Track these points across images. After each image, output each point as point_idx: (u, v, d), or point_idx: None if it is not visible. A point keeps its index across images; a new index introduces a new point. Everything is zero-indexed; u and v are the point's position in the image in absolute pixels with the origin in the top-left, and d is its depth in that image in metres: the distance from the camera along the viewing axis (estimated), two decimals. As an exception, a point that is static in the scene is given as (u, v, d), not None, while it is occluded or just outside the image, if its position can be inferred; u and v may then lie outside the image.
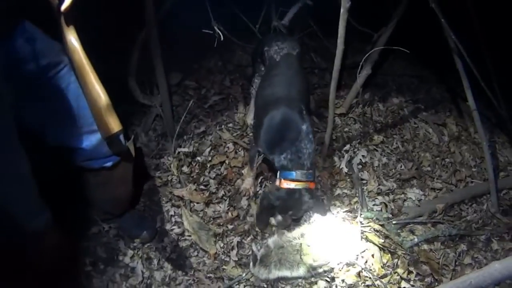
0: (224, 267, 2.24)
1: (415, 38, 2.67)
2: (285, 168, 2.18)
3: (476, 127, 2.59)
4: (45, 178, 1.69)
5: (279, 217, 2.30)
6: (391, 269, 2.30)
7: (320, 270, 2.22)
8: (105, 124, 1.54)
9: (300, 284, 2.21)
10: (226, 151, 2.65)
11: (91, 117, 1.57)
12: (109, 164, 1.85)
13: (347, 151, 2.74)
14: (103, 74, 1.62)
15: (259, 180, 2.53)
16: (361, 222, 2.34)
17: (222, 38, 2.30)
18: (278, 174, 2.23)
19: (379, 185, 2.61)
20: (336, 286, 2.22)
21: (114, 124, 1.55)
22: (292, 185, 2.16)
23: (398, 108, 3.05)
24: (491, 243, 2.49)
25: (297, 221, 2.35)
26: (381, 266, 2.29)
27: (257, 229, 2.37)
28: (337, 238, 2.28)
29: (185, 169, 2.55)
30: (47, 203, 1.70)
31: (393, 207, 2.52)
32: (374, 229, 2.38)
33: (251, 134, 2.70)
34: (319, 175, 2.55)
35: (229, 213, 2.41)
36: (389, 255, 2.32)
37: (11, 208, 1.54)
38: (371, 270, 2.26)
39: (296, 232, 2.28)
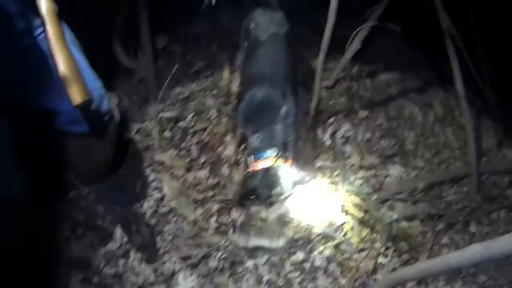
0: (203, 233, 2.22)
1: (407, 17, 2.63)
2: (257, 149, 2.12)
3: (461, 110, 2.59)
4: (25, 142, 1.65)
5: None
6: (369, 244, 2.31)
7: (300, 242, 2.22)
8: (68, 94, 1.46)
9: (278, 254, 2.21)
10: (210, 118, 2.59)
11: None
12: None
13: (331, 124, 2.71)
14: (87, 35, 1.57)
15: (241, 147, 2.48)
16: (341, 195, 2.33)
17: (213, 3, 2.24)
18: (251, 158, 2.16)
19: (361, 159, 2.60)
20: (314, 257, 2.23)
21: (76, 95, 1.45)
22: (266, 163, 2.09)
23: (385, 85, 3.02)
24: (469, 226, 2.52)
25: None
26: (360, 240, 2.30)
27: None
28: (317, 210, 2.28)
29: (167, 134, 2.49)
30: (26, 169, 1.66)
31: (374, 182, 2.52)
32: (354, 203, 2.37)
33: (235, 102, 2.65)
34: (298, 154, 2.52)
35: (210, 180, 2.38)
36: (368, 229, 2.34)
37: None
38: (349, 243, 2.27)
39: (277, 203, 2.27)
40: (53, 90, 1.59)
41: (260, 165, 2.09)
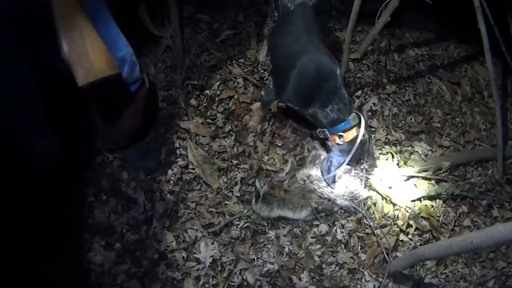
0: (226, 202, 2.23)
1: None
2: (338, 121, 2.05)
3: (490, 91, 2.54)
4: (55, 103, 1.65)
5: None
6: (391, 220, 2.31)
7: (322, 214, 2.22)
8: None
9: (300, 225, 2.21)
10: (236, 86, 2.56)
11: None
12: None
13: (358, 97, 2.68)
14: (114, 1, 1.54)
15: (267, 118, 2.46)
16: (366, 169, 2.31)
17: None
18: (328, 131, 2.09)
19: (387, 134, 2.58)
20: (336, 231, 2.23)
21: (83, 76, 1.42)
22: (354, 133, 2.05)
23: (414, 61, 2.97)
24: (491, 209, 2.51)
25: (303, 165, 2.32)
26: (382, 216, 2.30)
27: (261, 166, 2.33)
28: (341, 183, 2.26)
29: (192, 102, 2.48)
30: (54, 130, 1.66)
31: (399, 159, 2.50)
32: (378, 178, 2.35)
33: (262, 71, 2.62)
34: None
35: (235, 149, 2.37)
36: (391, 205, 2.33)
37: (18, 131, 1.53)
38: (371, 218, 2.26)
39: (302, 173, 2.26)
40: None
41: (350, 135, 2.05)
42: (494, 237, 1.41)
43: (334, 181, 2.20)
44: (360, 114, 2.07)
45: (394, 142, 2.56)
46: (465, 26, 2.45)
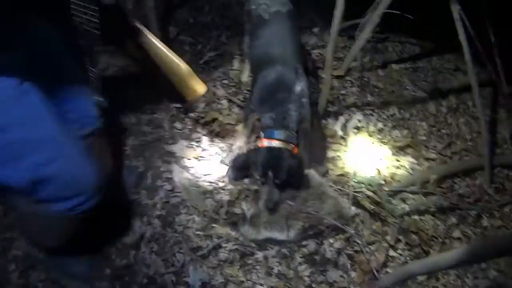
0: (213, 225, 2.21)
1: (419, 5, 2.59)
2: (268, 127, 2.13)
3: (474, 100, 2.55)
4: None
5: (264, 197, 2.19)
6: (380, 236, 2.29)
7: (310, 233, 2.21)
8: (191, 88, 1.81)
9: (289, 245, 2.20)
10: (220, 108, 2.57)
11: None
12: None
13: (342, 114, 2.68)
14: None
15: (253, 138, 2.45)
16: (353, 186, 2.30)
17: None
18: (260, 134, 2.17)
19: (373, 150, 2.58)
20: (325, 250, 2.21)
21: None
22: (272, 143, 2.10)
23: (398, 75, 2.99)
24: (481, 219, 2.50)
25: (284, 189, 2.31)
26: (371, 233, 2.28)
27: (247, 188, 2.32)
28: (328, 202, 2.25)
29: (177, 125, 2.48)
30: None
31: (386, 174, 2.50)
32: (365, 194, 2.34)
33: (245, 92, 2.63)
34: (309, 142, 2.49)
35: (221, 171, 2.36)
36: (379, 222, 2.31)
37: None
38: (360, 235, 2.24)
39: (288, 193, 2.25)
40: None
41: (266, 142, 2.09)
42: (477, 253, 1.42)
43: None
44: (294, 138, 2.15)
45: (380, 157, 2.56)
46: (447, 38, 2.47)
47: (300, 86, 2.11)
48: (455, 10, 2.25)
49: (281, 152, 2.10)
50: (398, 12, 2.32)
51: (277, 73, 2.12)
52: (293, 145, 2.14)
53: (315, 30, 3.08)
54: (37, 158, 1.29)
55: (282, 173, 2.10)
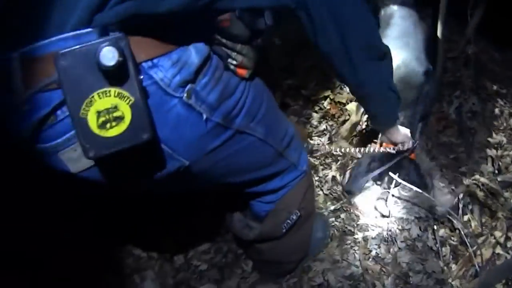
0: (316, 199, 2.24)
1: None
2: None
3: None
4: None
5: None
6: (488, 230, 2.17)
7: (415, 219, 2.18)
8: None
9: (390, 229, 2.18)
10: (332, 86, 2.58)
11: None
12: None
13: (457, 97, 2.59)
14: None
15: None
16: (464, 173, 2.24)
17: None
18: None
19: (488, 137, 2.47)
20: (427, 237, 2.16)
21: None
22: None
23: (515, 57, 2.82)
24: None
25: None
26: (478, 224, 2.18)
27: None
28: (437, 188, 2.21)
29: (288, 100, 2.54)
30: None
31: (500, 163, 2.38)
32: (477, 183, 2.25)
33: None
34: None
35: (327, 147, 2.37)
36: (489, 214, 2.21)
37: None
38: (467, 227, 2.16)
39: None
40: None
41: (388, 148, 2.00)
42: None
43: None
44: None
45: (495, 145, 2.45)
46: None
47: (428, 87, 2.04)
48: None
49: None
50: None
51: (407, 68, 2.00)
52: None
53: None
54: None
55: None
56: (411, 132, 1.94)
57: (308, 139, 2.42)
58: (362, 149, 2.00)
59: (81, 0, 1.00)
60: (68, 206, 1.87)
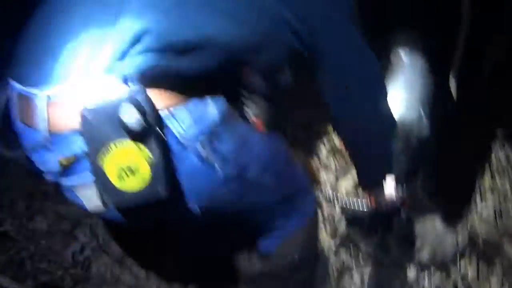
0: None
1: None
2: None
3: None
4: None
5: None
6: (485, 279, 2.11)
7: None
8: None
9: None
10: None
11: None
12: None
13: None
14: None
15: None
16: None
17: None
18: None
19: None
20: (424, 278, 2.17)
21: None
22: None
23: None
24: None
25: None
26: (475, 277, 2.13)
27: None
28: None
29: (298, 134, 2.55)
30: None
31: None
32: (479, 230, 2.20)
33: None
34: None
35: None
36: (486, 264, 2.14)
37: None
38: (462, 276, 2.13)
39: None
40: None
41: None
42: None
43: None
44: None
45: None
46: None
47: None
48: None
49: None
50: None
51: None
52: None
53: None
54: None
55: None
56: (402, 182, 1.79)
57: (316, 174, 2.45)
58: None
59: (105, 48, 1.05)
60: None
